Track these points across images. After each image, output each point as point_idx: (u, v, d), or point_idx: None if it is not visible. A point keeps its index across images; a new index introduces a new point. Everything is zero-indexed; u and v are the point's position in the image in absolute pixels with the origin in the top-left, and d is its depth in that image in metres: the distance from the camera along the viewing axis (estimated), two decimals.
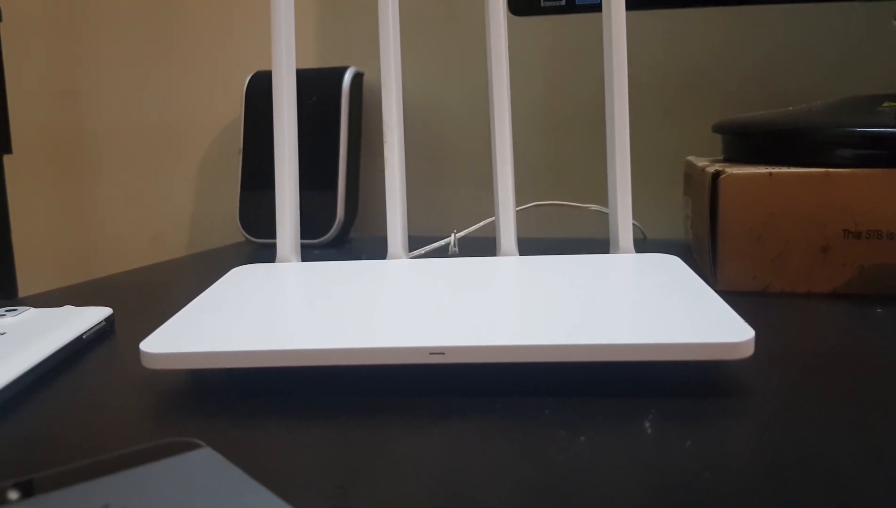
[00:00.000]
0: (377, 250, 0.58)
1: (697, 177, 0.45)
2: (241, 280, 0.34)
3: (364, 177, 0.69)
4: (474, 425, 0.23)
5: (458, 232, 0.51)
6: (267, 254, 0.59)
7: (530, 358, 0.25)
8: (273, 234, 0.61)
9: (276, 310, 0.29)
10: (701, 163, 0.46)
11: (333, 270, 0.35)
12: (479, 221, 0.66)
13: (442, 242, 0.50)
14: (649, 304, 0.28)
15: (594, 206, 0.56)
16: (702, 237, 0.44)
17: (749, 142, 0.45)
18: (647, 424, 0.22)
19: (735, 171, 0.39)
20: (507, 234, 0.37)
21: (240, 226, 0.62)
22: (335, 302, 0.30)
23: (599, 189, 0.65)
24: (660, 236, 0.61)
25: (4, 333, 0.32)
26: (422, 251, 0.48)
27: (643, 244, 0.59)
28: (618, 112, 0.36)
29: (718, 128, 0.49)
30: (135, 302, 0.43)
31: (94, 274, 0.79)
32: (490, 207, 0.67)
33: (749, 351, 0.25)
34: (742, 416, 0.23)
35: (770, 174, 0.39)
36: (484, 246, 0.56)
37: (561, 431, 0.22)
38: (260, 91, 0.63)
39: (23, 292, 0.69)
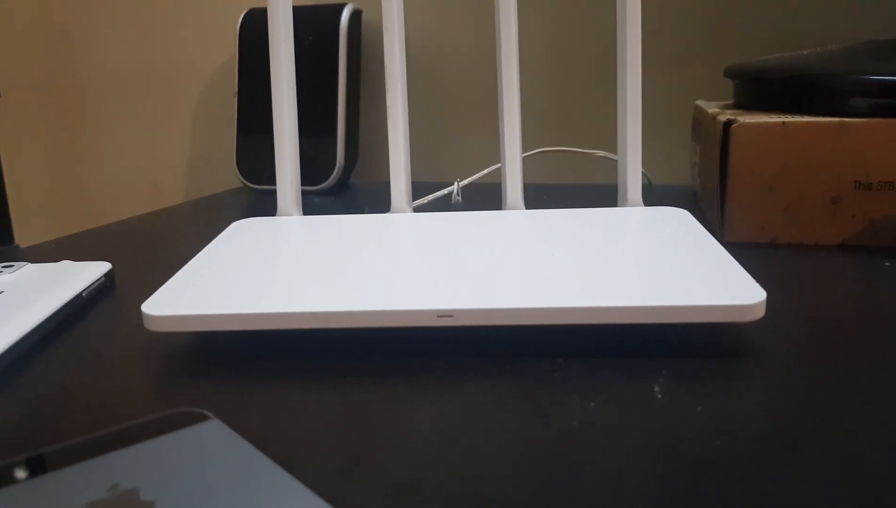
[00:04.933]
0: (379, 197, 0.58)
1: (707, 124, 0.44)
2: (243, 235, 0.34)
3: (364, 119, 0.67)
4: (485, 388, 0.23)
5: (461, 180, 0.50)
6: (266, 200, 0.58)
7: (539, 321, 0.24)
8: (272, 181, 0.60)
9: (280, 270, 0.29)
10: (712, 109, 0.45)
11: (336, 225, 0.34)
12: (482, 167, 0.65)
13: (445, 191, 0.49)
14: (659, 263, 0.27)
15: (600, 152, 0.55)
16: (710, 186, 0.43)
17: (762, 88, 0.44)
18: (656, 388, 0.22)
19: (747, 120, 0.38)
20: (514, 188, 0.36)
21: (237, 172, 0.61)
22: (340, 261, 0.29)
23: (605, 133, 0.64)
24: (665, 182, 0.60)
25: (2, 291, 0.31)
26: (424, 200, 0.47)
27: (649, 191, 0.58)
28: (630, 71, 0.34)
29: (730, 73, 0.47)
30: (134, 254, 0.42)
31: (90, 220, 0.78)
32: (493, 153, 0.66)
33: (760, 312, 0.24)
34: (752, 378, 0.23)
35: (783, 123, 0.37)
36: (487, 193, 0.55)
37: (572, 395, 0.22)
38: (254, 30, 0.61)
39: (19, 238, 0.68)
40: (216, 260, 0.31)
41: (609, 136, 0.64)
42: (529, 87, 0.64)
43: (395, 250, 0.30)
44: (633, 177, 0.35)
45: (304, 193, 0.59)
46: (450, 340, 0.26)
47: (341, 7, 0.59)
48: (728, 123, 0.38)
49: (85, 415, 0.22)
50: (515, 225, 0.33)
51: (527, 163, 0.53)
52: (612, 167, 0.60)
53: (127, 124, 0.75)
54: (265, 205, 0.56)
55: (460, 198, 0.49)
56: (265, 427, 0.21)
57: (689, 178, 0.60)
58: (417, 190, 0.58)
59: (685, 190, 0.56)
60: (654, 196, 0.56)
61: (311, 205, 0.55)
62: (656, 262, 0.27)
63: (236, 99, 0.61)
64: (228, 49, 0.70)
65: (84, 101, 0.76)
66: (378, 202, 0.56)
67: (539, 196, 0.55)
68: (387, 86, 0.36)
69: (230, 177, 0.72)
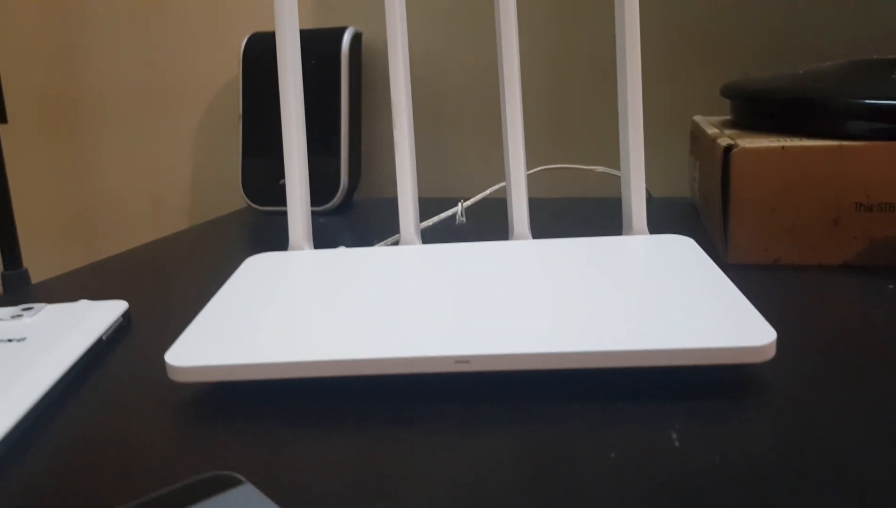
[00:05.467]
0: (383, 217, 0.58)
1: (707, 144, 0.45)
2: (257, 275, 0.34)
3: (365, 137, 0.68)
4: (502, 436, 0.23)
5: (464, 201, 0.50)
6: (272, 222, 0.58)
7: (555, 366, 0.25)
8: (277, 203, 0.61)
9: (298, 314, 0.29)
10: (711, 130, 0.45)
11: (347, 261, 0.35)
12: (482, 181, 0.66)
13: (449, 212, 0.50)
14: (669, 302, 0.28)
15: (600, 168, 0.56)
16: (712, 204, 0.44)
17: (759, 108, 0.44)
18: (674, 436, 0.23)
19: (747, 145, 0.39)
20: (520, 219, 0.37)
21: (243, 194, 0.62)
22: (356, 303, 0.30)
23: (605, 147, 0.64)
24: (665, 193, 0.61)
25: (24, 338, 0.32)
26: (430, 223, 0.48)
27: (649, 203, 0.59)
28: (631, 102, 0.35)
29: (728, 93, 0.48)
30: (147, 288, 0.43)
31: (94, 239, 0.79)
32: (493, 167, 0.67)
33: (770, 353, 0.25)
34: (766, 419, 0.24)
35: (783, 148, 0.38)
36: (491, 211, 0.56)
37: (591, 445, 0.23)
38: (258, 53, 0.61)
39: (26, 259, 0.69)
40: (233, 303, 0.31)
41: (608, 150, 0.65)
42: (527, 103, 0.65)
43: (409, 289, 0.31)
44: (637, 205, 0.36)
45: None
46: (462, 383, 0.27)
47: (342, 31, 0.59)
48: (728, 148, 0.39)
49: (111, 477, 0.23)
50: (524, 258, 0.33)
51: (528, 179, 0.54)
52: (611, 180, 0.60)
53: (130, 144, 0.75)
54: (271, 227, 0.56)
55: (464, 218, 0.49)
56: (292, 485, 0.22)
57: (688, 190, 0.61)
58: (420, 207, 0.59)
59: (685, 203, 0.57)
60: (655, 209, 0.57)
61: (317, 226, 0.56)
62: (666, 301, 0.28)
63: (241, 122, 0.62)
64: (230, 71, 0.70)
65: (88, 121, 0.76)
66: (382, 220, 0.57)
67: (540, 212, 0.55)
68: (394, 121, 0.36)
69: (233, 197, 0.73)
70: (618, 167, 0.58)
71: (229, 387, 0.28)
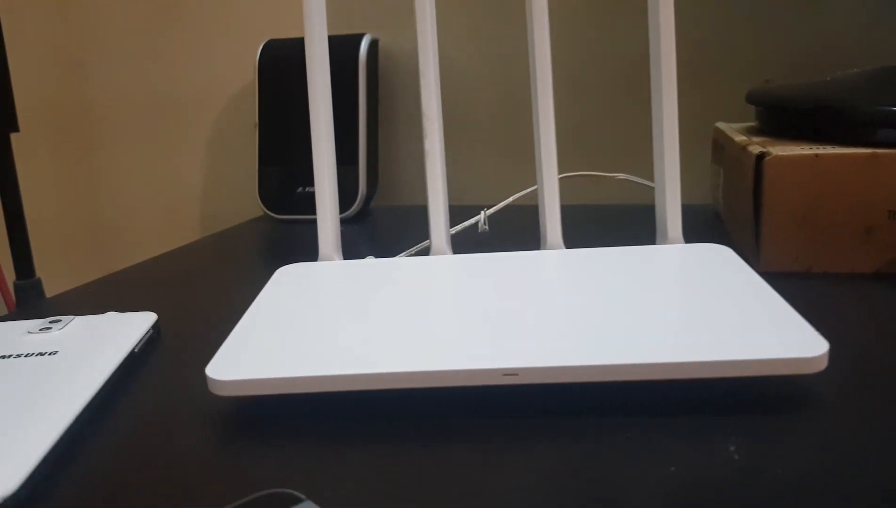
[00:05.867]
0: (402, 226, 0.58)
1: (734, 151, 0.45)
2: (291, 285, 0.34)
3: (381, 144, 0.68)
4: (552, 451, 0.23)
5: (487, 209, 0.50)
6: (290, 231, 0.58)
7: (605, 378, 0.25)
8: (295, 211, 0.60)
9: (339, 326, 0.29)
10: (739, 138, 0.45)
11: (380, 271, 0.35)
12: (500, 188, 0.66)
13: (472, 220, 0.49)
14: (716, 312, 0.27)
15: (621, 175, 0.56)
16: (739, 212, 0.43)
17: (787, 116, 0.44)
18: (732, 448, 0.23)
19: (780, 153, 0.38)
20: (553, 228, 0.36)
21: (260, 202, 0.61)
22: (396, 314, 0.29)
23: (623, 155, 0.64)
24: (686, 201, 0.61)
25: (56, 352, 0.31)
26: (452, 232, 0.48)
27: None
28: (666, 109, 0.35)
29: (754, 99, 0.48)
30: (172, 298, 0.42)
31: (107, 249, 0.78)
32: (510, 177, 0.66)
33: (823, 364, 0.25)
34: (820, 424, 0.23)
35: (816, 155, 0.38)
36: (512, 219, 0.56)
37: (647, 460, 0.22)
38: (274, 60, 0.61)
39: (37, 270, 0.68)
40: (270, 314, 0.31)
41: (629, 157, 0.64)
42: None
43: (448, 300, 0.30)
44: (672, 214, 0.35)
45: None
46: (505, 397, 0.27)
47: (359, 37, 0.59)
48: (761, 156, 0.39)
49: (159, 498, 0.22)
50: (561, 268, 0.33)
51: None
52: (632, 187, 0.60)
53: (144, 153, 0.75)
54: (291, 237, 0.56)
55: (487, 227, 0.49)
56: (348, 503, 0.21)
57: (709, 198, 0.60)
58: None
59: (707, 211, 0.57)
60: None
61: None
62: (713, 311, 0.28)
63: (257, 129, 0.61)
64: (245, 78, 0.70)
65: (100, 130, 0.76)
66: (401, 229, 0.56)
67: (565, 220, 0.55)
68: (424, 131, 0.36)
69: (248, 206, 0.72)
70: (637, 174, 0.58)
71: (270, 401, 0.27)
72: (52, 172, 0.78)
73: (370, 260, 0.38)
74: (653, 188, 0.59)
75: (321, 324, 0.29)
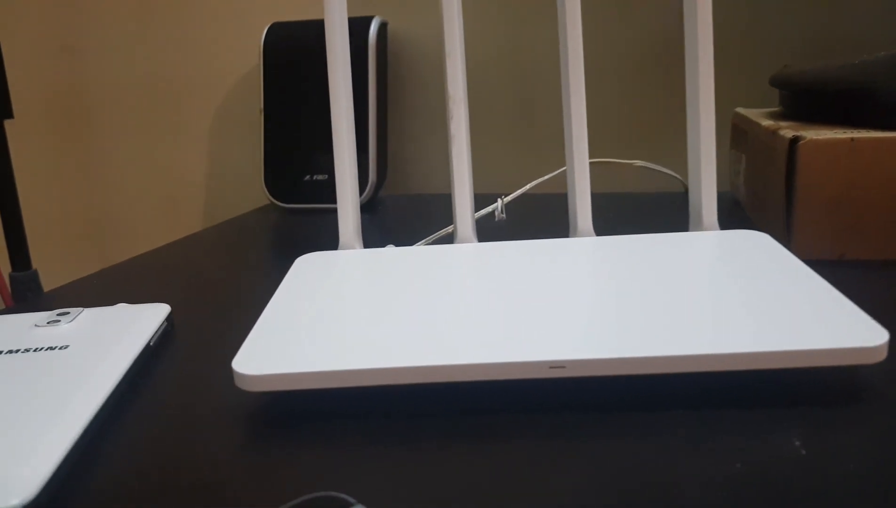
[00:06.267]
0: (412, 213, 0.56)
1: (762, 136, 0.43)
2: (313, 275, 0.32)
3: (390, 132, 0.66)
4: (606, 447, 0.22)
5: (504, 197, 0.49)
6: (298, 221, 0.56)
7: (658, 370, 0.24)
8: (301, 200, 0.59)
9: (369, 317, 0.27)
10: (765, 122, 0.44)
11: (406, 260, 0.33)
12: (512, 177, 0.64)
13: (489, 209, 0.48)
14: (766, 301, 0.26)
15: (639, 162, 0.54)
16: (767, 199, 0.42)
17: (815, 99, 0.43)
18: (797, 443, 0.21)
19: (814, 137, 0.37)
20: (584, 214, 0.35)
21: (265, 191, 0.60)
22: (429, 305, 0.28)
23: (640, 142, 0.63)
24: None
25: (68, 346, 0.30)
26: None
27: (685, 196, 0.57)
28: (703, 90, 0.33)
29: (779, 83, 0.47)
30: (183, 290, 0.41)
31: (106, 240, 0.76)
32: (523, 164, 0.65)
33: (883, 354, 0.24)
34: (887, 417, 0.22)
35: (852, 140, 0.37)
36: (528, 207, 0.54)
37: (710, 457, 0.21)
38: (278, 44, 0.59)
39: (35, 261, 0.66)
40: (294, 305, 0.29)
41: (644, 144, 0.63)
42: (555, 96, 0.63)
43: (482, 290, 0.29)
44: (707, 200, 0.34)
45: (336, 211, 0.58)
46: (548, 390, 0.25)
47: (369, 20, 0.57)
48: (795, 140, 0.38)
49: (195, 504, 0.21)
50: (596, 256, 0.32)
51: (562, 176, 0.52)
52: (649, 175, 0.59)
53: (143, 140, 0.73)
54: (299, 227, 0.54)
55: (504, 215, 0.48)
56: (396, 504, 0.20)
57: (726, 185, 0.59)
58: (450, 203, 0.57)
59: (724, 197, 0.55)
60: None
61: None
62: (763, 300, 0.26)
63: (262, 115, 0.60)
64: (249, 63, 0.68)
65: (98, 117, 0.74)
66: (413, 218, 0.55)
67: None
68: (451, 113, 0.35)
69: (253, 195, 0.70)
70: (655, 161, 0.57)
71: (299, 397, 0.26)
72: (49, 161, 0.76)
73: (390, 248, 0.36)
74: (668, 175, 0.58)
75: (351, 315, 0.28)
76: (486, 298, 0.28)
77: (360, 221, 0.37)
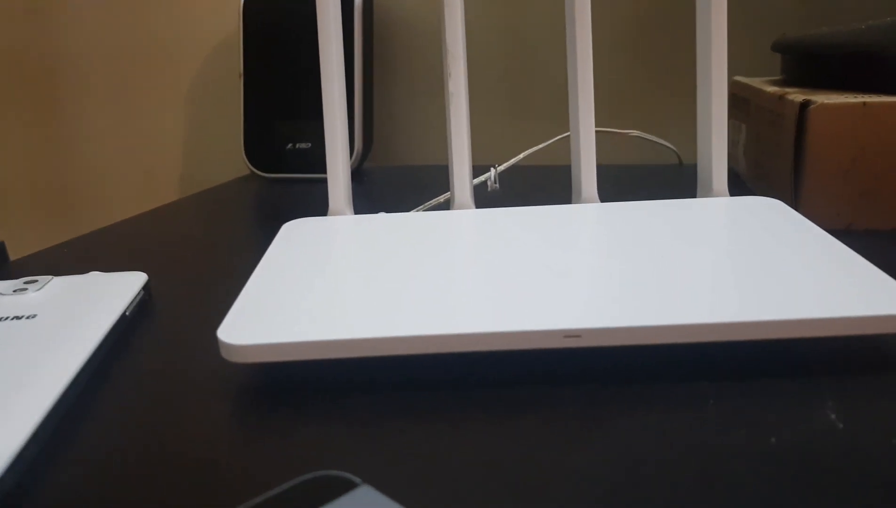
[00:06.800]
0: (399, 184, 0.54)
1: (767, 103, 0.42)
2: (301, 241, 0.30)
3: (375, 101, 0.64)
4: (633, 422, 0.20)
5: (497, 166, 0.47)
6: (279, 190, 0.54)
7: (681, 339, 0.22)
8: (283, 169, 0.56)
9: (366, 284, 0.25)
10: (770, 88, 0.42)
11: (400, 226, 0.31)
12: (502, 148, 0.62)
13: (482, 178, 0.46)
14: (789, 268, 0.25)
15: (634, 132, 0.53)
16: (772, 168, 0.41)
17: (823, 63, 0.41)
18: (833, 416, 0.20)
19: (826, 101, 0.36)
20: (588, 179, 0.33)
21: (245, 159, 0.57)
22: (430, 272, 0.26)
23: (634, 111, 0.61)
24: (692, 159, 0.58)
25: (35, 315, 0.27)
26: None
27: (680, 169, 0.56)
28: (715, 49, 0.32)
29: (782, 48, 0.45)
30: (159, 259, 0.38)
31: (77, 213, 0.73)
32: (512, 135, 0.63)
33: None
34: None
35: (864, 104, 0.35)
36: (520, 178, 0.53)
37: (743, 430, 0.20)
38: (259, 6, 0.56)
39: (1, 234, 0.63)
40: (282, 272, 0.27)
41: (634, 115, 0.61)
42: (556, 64, 0.61)
43: (485, 257, 0.27)
44: (718, 165, 0.33)
45: (320, 181, 0.55)
46: (563, 361, 0.24)
47: None
48: (805, 105, 0.36)
49: (179, 486, 0.19)
50: (604, 222, 0.30)
51: (555, 146, 0.51)
52: (644, 146, 0.57)
53: (116, 108, 0.69)
54: (282, 197, 0.52)
55: (497, 185, 0.46)
56: (404, 483, 0.18)
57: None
58: (442, 174, 0.54)
59: None
60: (688, 176, 0.54)
61: None
62: (786, 267, 0.25)
63: (241, 81, 0.57)
64: (227, 26, 0.65)
65: (68, 84, 0.70)
66: (401, 189, 0.53)
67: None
68: (449, 71, 0.33)
69: (233, 165, 0.67)
70: (650, 132, 0.55)
71: (290, 368, 0.24)
72: (16, 130, 0.72)
73: (382, 215, 0.34)
74: (663, 146, 0.57)
75: (348, 282, 0.26)
76: (492, 265, 0.26)
77: (350, 187, 0.34)
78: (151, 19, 0.66)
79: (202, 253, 0.39)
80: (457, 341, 0.22)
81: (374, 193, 0.52)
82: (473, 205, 0.34)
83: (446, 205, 0.38)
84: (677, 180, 0.53)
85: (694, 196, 0.35)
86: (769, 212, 0.30)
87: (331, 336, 0.22)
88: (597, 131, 0.53)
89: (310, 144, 0.55)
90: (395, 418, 0.21)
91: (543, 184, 0.53)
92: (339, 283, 0.26)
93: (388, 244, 0.29)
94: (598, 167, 0.56)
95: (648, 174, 0.54)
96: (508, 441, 0.19)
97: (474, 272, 0.26)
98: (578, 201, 0.34)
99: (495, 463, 0.19)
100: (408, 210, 0.42)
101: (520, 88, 0.63)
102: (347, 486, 0.16)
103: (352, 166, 0.55)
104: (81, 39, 0.68)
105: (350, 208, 0.34)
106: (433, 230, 0.30)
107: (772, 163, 0.41)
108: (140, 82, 0.68)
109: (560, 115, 0.62)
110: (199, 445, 0.20)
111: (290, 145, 0.56)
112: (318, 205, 0.49)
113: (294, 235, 0.31)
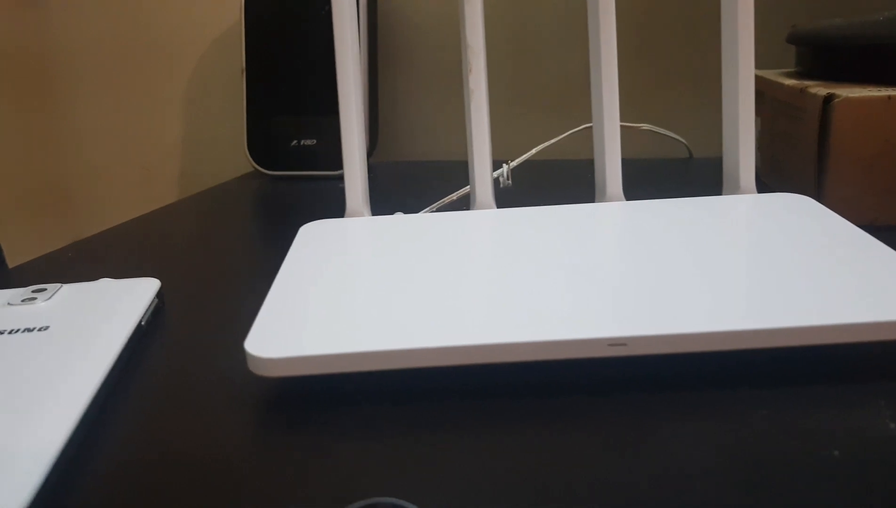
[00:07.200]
0: (405, 180, 0.53)
1: (785, 97, 0.41)
2: (322, 245, 0.29)
3: (380, 95, 0.62)
4: (683, 431, 0.19)
5: (510, 162, 0.46)
6: (284, 188, 0.53)
7: (730, 346, 0.21)
8: (289, 166, 0.55)
9: (397, 292, 0.24)
10: (788, 81, 0.42)
11: (424, 228, 0.30)
12: (514, 142, 0.61)
13: (493, 174, 0.45)
14: (835, 269, 0.24)
15: (646, 126, 0.52)
16: (791, 164, 0.40)
17: (844, 56, 0.41)
18: (892, 426, 0.19)
19: (850, 95, 0.35)
20: (614, 177, 0.32)
21: (249, 157, 0.56)
22: (463, 278, 0.25)
23: (644, 106, 0.60)
24: (705, 154, 0.58)
25: (47, 327, 0.26)
26: (467, 189, 0.43)
27: (690, 164, 0.55)
28: (742, 38, 0.31)
29: (799, 39, 0.44)
30: (168, 263, 0.37)
31: (75, 216, 0.71)
32: (520, 131, 0.62)
33: None
34: None
35: (888, 97, 0.35)
36: (530, 173, 0.52)
37: (795, 441, 0.19)
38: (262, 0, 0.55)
39: None
40: (305, 279, 0.26)
41: (645, 108, 0.60)
42: (563, 57, 0.60)
43: (517, 261, 0.26)
44: (745, 161, 0.32)
45: (326, 179, 0.54)
46: (601, 370, 0.23)
47: None
48: (829, 98, 0.35)
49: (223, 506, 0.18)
50: (635, 222, 0.29)
51: (567, 141, 0.50)
52: (654, 140, 0.56)
53: (114, 104, 0.68)
54: (289, 196, 0.51)
55: (510, 182, 0.45)
56: (458, 505, 0.17)
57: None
58: (451, 169, 0.54)
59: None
60: (698, 169, 0.53)
61: (336, 192, 0.51)
62: (831, 268, 0.24)
63: (244, 76, 0.55)
64: (229, 18, 0.63)
65: (63, 79, 0.68)
66: (408, 186, 0.52)
67: (585, 175, 0.51)
68: (469, 66, 0.32)
69: (235, 162, 0.66)
70: (658, 125, 0.54)
71: (320, 383, 0.23)
72: (8, 127, 0.70)
73: (399, 216, 0.33)
74: (674, 140, 0.56)
75: (376, 290, 0.25)
76: (525, 269, 0.26)
77: (367, 186, 0.33)
78: (150, 12, 0.65)
79: (211, 255, 0.38)
80: (500, 351, 0.21)
81: (384, 190, 0.51)
82: (495, 205, 0.33)
83: (463, 202, 0.37)
84: (689, 173, 0.52)
85: (707, 189, 0.34)
86: (801, 209, 0.30)
87: (369, 347, 0.21)
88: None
89: (315, 140, 0.54)
90: (434, 433, 0.20)
91: (556, 180, 0.52)
92: (368, 291, 0.25)
93: (415, 247, 0.28)
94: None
95: (659, 167, 0.54)
96: (556, 454, 0.19)
97: (509, 277, 0.25)
98: (602, 199, 0.33)
99: (549, 477, 0.18)
100: (420, 207, 0.41)
101: (526, 82, 0.62)
102: None
103: None
104: (77, 33, 0.66)
105: (368, 208, 0.33)
106: (459, 232, 0.29)
107: (791, 158, 0.40)
108: (138, 77, 0.66)
109: (568, 109, 0.61)
110: (229, 467, 0.19)
111: (294, 142, 0.54)
112: (326, 204, 0.48)
113: (313, 239, 0.30)
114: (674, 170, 0.53)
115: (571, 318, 0.22)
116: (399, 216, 0.33)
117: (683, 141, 0.55)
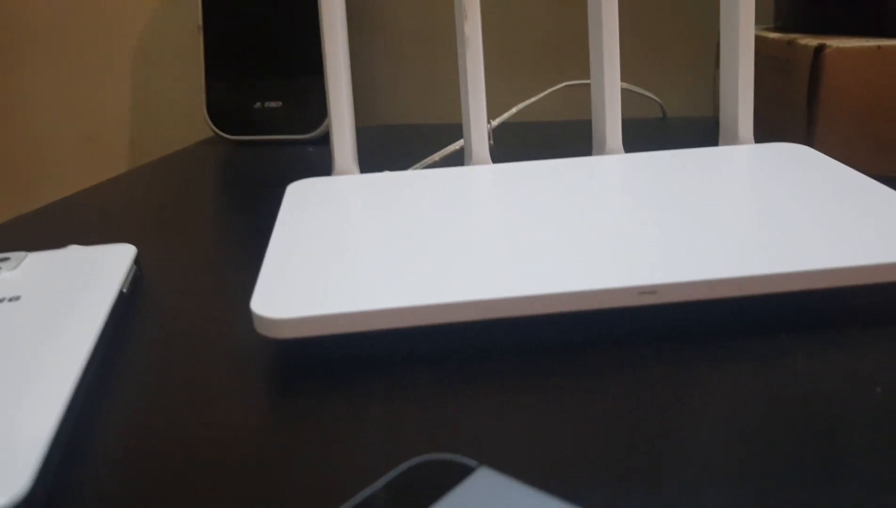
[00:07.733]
0: (380, 144, 0.51)
1: (772, 51, 0.41)
2: (314, 203, 0.27)
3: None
4: (727, 379, 0.19)
5: (491, 122, 0.44)
6: (247, 153, 0.50)
7: (761, 290, 0.21)
8: (254, 130, 0.52)
9: (405, 248, 0.23)
10: (773, 35, 0.41)
11: (421, 183, 0.29)
12: (493, 102, 0.60)
13: None
14: (848, 214, 0.24)
15: (623, 85, 0.51)
16: (778, 119, 0.40)
17: (822, 6, 0.40)
18: None
19: (841, 45, 0.35)
20: (613, 129, 0.31)
21: (209, 121, 0.53)
22: (470, 232, 0.24)
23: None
24: (680, 112, 0.57)
25: (19, 297, 0.24)
26: (456, 146, 0.42)
27: (664, 123, 0.55)
28: None
29: None
30: (133, 231, 0.35)
31: (19, 186, 0.67)
32: (505, 88, 0.61)
33: None
34: None
35: (878, 48, 0.35)
36: (510, 134, 0.51)
37: (844, 383, 0.18)
38: None
39: None
40: (302, 238, 0.24)
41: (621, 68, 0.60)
42: (538, 15, 0.59)
43: (525, 212, 0.25)
44: (744, 111, 0.31)
45: (293, 143, 0.52)
46: (626, 319, 0.22)
47: None
48: (819, 49, 0.35)
49: (238, 484, 0.16)
50: (640, 173, 0.28)
51: (544, 100, 0.49)
52: (630, 99, 0.56)
53: (59, 68, 0.63)
54: (254, 161, 0.48)
55: (492, 141, 0.43)
56: (510, 458, 0.16)
57: (707, 109, 0.57)
58: (429, 134, 0.52)
59: (706, 122, 0.53)
60: (672, 129, 0.53)
61: (304, 155, 0.49)
62: (842, 212, 0.24)
63: (201, 35, 0.52)
64: None
65: (3, 44, 0.63)
66: (386, 150, 0.50)
67: (565, 134, 0.51)
68: (465, 13, 0.30)
69: (194, 127, 0.62)
70: (635, 84, 0.54)
71: (332, 341, 0.21)
72: None
73: (387, 174, 0.31)
74: (650, 99, 0.55)
75: (381, 247, 0.23)
76: (537, 222, 0.24)
77: (356, 144, 0.32)
78: None
79: (179, 223, 0.36)
80: (524, 304, 0.20)
81: (362, 152, 0.49)
82: (490, 160, 0.32)
83: (454, 159, 0.36)
84: (665, 132, 0.52)
85: (685, 147, 0.33)
86: (801, 157, 0.29)
87: (385, 304, 0.20)
88: (580, 84, 0.51)
89: (280, 102, 0.51)
90: (468, 389, 0.19)
91: (536, 141, 0.51)
92: (372, 248, 0.23)
93: (418, 203, 0.26)
94: (580, 121, 0.55)
95: (634, 126, 0.53)
96: (602, 404, 0.18)
97: (524, 230, 0.24)
98: (601, 153, 0.32)
99: (598, 427, 0.17)
100: (405, 167, 0.39)
101: (503, 43, 0.60)
102: (462, 470, 0.14)
103: (326, 127, 0.52)
104: None
105: (357, 166, 0.32)
106: (460, 187, 0.28)
107: (779, 110, 0.40)
108: (86, 38, 0.62)
109: (548, 68, 0.60)
110: (245, 440, 0.18)
111: (257, 104, 0.52)
112: (293, 168, 0.46)
113: (304, 197, 0.28)
114: (649, 128, 0.53)
115: (598, 268, 0.21)
116: (391, 173, 0.31)
117: (658, 100, 0.54)
